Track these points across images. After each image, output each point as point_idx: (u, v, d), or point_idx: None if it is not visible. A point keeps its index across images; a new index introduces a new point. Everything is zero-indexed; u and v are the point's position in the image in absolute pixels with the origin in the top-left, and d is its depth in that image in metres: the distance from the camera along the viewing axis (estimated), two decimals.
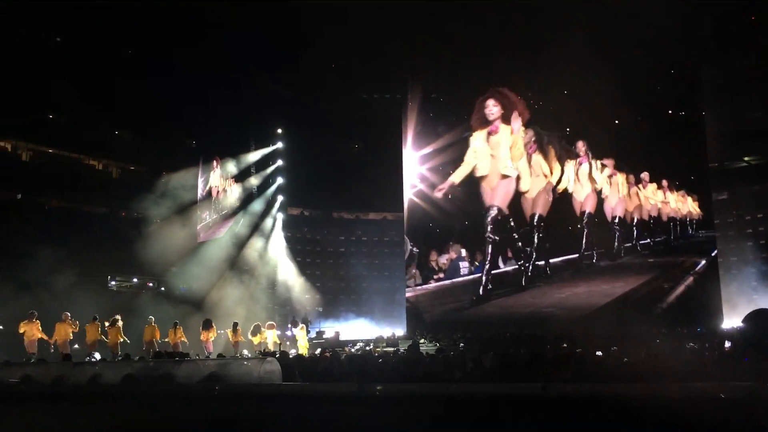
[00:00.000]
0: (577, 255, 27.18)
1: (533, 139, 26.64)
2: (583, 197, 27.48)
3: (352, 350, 21.51)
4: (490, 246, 25.93)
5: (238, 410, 5.14)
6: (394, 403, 4.94)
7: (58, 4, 22.81)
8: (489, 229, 25.92)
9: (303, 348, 21.23)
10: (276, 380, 8.59)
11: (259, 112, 28.19)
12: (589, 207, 27.39)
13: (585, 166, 27.55)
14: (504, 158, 26.10)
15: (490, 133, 26.36)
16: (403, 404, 4.88)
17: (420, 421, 4.51)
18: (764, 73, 23.44)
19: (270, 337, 20.66)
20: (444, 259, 27.60)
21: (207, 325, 19.90)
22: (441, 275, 28.49)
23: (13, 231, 20.28)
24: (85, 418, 5.20)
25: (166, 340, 19.59)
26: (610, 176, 27.80)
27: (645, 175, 28.36)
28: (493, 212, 25.93)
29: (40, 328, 17.19)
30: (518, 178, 26.27)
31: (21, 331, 17.02)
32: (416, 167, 29.51)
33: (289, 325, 24.33)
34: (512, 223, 26.42)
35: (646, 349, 10.69)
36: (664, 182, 28.49)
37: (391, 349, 20.70)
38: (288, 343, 23.08)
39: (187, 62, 25.14)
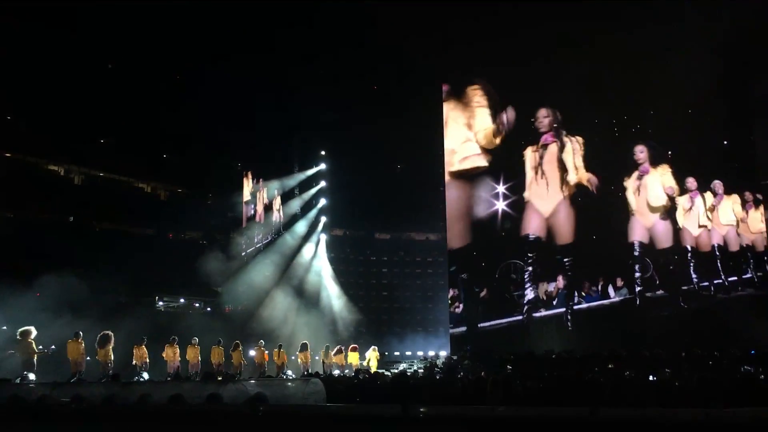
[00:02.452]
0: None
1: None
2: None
3: (395, 371, 21.47)
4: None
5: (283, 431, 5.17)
6: (437, 426, 4.91)
7: (107, 32, 23.66)
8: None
9: (374, 369, 21.53)
10: (320, 401, 8.62)
11: (303, 134, 28.56)
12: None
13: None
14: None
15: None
16: (446, 427, 4.85)
17: None
18: None
19: (351, 359, 21.97)
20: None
21: (303, 348, 20.69)
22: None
23: (64, 253, 20.78)
24: None
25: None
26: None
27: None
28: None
29: (178, 351, 18.01)
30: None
31: (163, 355, 17.89)
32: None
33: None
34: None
35: (697, 374, 10.39)
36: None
37: (435, 369, 20.60)
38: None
39: (231, 87, 25.62)
